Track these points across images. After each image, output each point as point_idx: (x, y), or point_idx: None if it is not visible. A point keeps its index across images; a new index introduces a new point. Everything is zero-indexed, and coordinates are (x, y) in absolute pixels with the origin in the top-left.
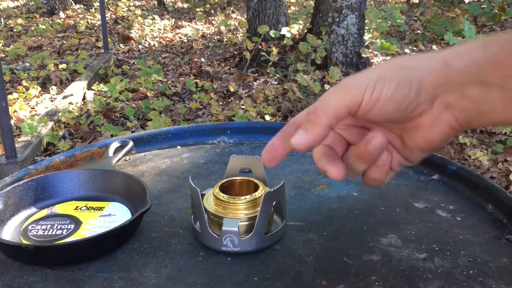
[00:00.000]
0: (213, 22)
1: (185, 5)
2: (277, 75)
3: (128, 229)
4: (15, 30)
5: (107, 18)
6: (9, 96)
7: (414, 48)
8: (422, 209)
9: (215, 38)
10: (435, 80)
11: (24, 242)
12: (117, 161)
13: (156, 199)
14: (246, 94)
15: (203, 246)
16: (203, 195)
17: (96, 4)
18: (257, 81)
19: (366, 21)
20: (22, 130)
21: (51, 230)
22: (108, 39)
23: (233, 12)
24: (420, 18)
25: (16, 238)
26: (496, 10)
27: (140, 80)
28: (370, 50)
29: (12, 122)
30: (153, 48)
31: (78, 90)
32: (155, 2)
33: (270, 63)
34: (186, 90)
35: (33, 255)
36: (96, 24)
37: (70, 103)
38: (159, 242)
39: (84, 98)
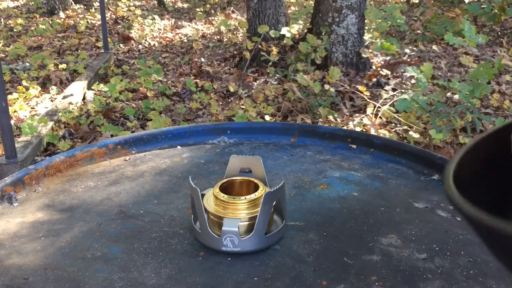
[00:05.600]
0: (213, 22)
1: (185, 5)
2: (277, 75)
3: None
4: (15, 30)
5: (107, 18)
6: (9, 96)
7: (414, 48)
8: (422, 209)
9: (215, 38)
10: None
11: None
12: None
13: (156, 199)
14: (246, 94)
15: (203, 246)
16: (203, 195)
17: (96, 4)
18: (257, 81)
19: (366, 21)
20: (22, 130)
21: None
22: (108, 39)
23: (233, 12)
24: (420, 18)
25: None
26: (496, 10)
27: (140, 80)
28: (370, 50)
29: (12, 122)
30: (153, 48)
31: (78, 90)
32: (155, 2)
33: (270, 63)
34: (186, 90)
35: None
36: (96, 24)
37: (70, 103)
38: (159, 242)
39: (84, 98)
